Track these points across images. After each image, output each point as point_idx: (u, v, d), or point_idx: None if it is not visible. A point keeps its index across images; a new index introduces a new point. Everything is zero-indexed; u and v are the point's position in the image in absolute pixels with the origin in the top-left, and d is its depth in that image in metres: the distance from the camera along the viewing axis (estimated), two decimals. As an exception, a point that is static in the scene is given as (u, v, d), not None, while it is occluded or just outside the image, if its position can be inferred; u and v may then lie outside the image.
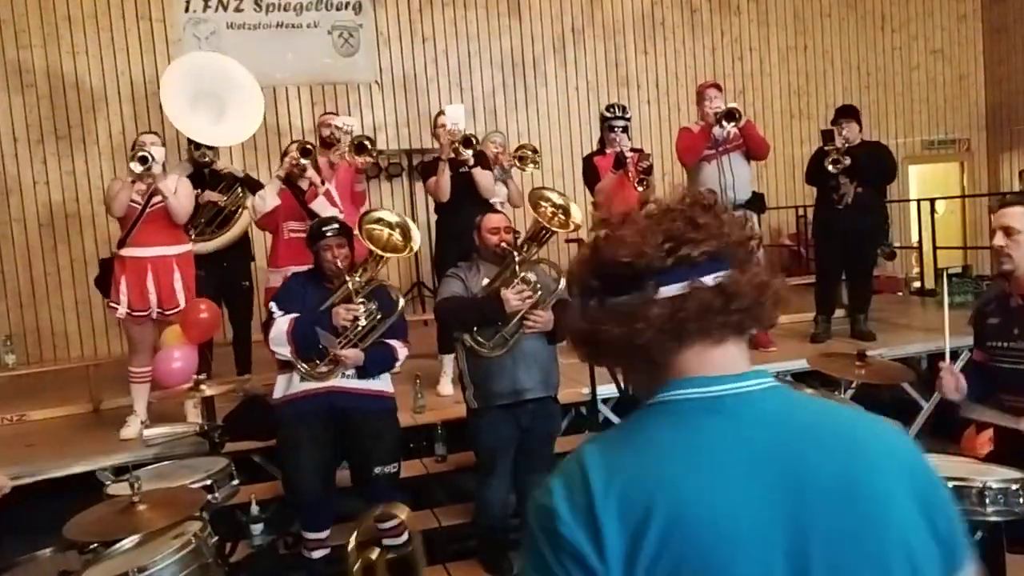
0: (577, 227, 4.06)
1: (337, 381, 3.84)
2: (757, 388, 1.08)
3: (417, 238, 4.02)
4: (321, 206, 5.05)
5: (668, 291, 1.07)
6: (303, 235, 5.02)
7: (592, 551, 0.98)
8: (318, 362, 3.81)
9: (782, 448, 1.02)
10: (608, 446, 1.08)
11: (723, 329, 1.09)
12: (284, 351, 3.79)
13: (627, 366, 1.19)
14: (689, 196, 1.14)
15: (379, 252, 3.89)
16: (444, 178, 5.27)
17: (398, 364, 4.04)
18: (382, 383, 3.99)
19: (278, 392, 3.92)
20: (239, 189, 5.70)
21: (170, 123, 5.51)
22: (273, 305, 3.87)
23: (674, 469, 1.01)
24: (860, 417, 1.14)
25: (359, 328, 3.83)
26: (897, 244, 9.11)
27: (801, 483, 1.00)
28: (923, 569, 1.02)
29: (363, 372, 3.87)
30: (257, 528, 4.02)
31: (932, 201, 8.34)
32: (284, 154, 5.26)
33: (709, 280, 1.07)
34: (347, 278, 3.86)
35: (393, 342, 3.94)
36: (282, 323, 3.79)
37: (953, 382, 3.01)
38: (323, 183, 5.15)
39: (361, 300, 3.87)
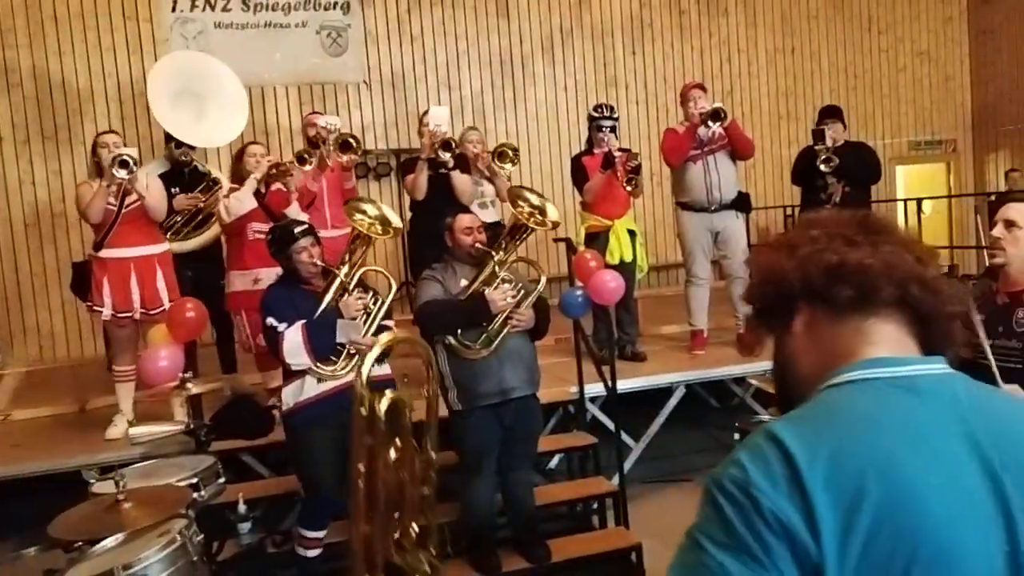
0: (555, 225, 4.05)
1: (348, 377, 3.79)
2: (945, 372, 1.07)
3: (397, 222, 4.02)
4: (296, 212, 5.07)
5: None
6: (267, 236, 5.03)
7: (801, 524, 0.92)
8: (335, 361, 3.77)
9: (985, 430, 1.01)
10: (800, 421, 1.03)
11: (900, 308, 1.09)
12: (302, 360, 3.68)
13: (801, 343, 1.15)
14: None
15: (366, 232, 3.87)
16: (422, 177, 5.28)
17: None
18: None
19: (289, 400, 3.81)
20: (218, 191, 5.68)
21: (156, 122, 5.50)
22: (272, 320, 3.74)
23: (888, 444, 0.97)
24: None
25: (369, 315, 3.82)
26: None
27: (1008, 462, 0.99)
28: None
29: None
30: (245, 527, 3.99)
31: (919, 201, 8.40)
32: (239, 156, 5.13)
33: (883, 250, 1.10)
34: (336, 271, 3.84)
35: (387, 323, 3.93)
36: (293, 334, 3.67)
37: None
38: (295, 189, 5.16)
39: (358, 289, 3.86)
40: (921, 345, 1.11)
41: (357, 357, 3.74)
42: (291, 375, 3.80)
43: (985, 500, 0.98)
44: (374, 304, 3.86)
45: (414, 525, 1.36)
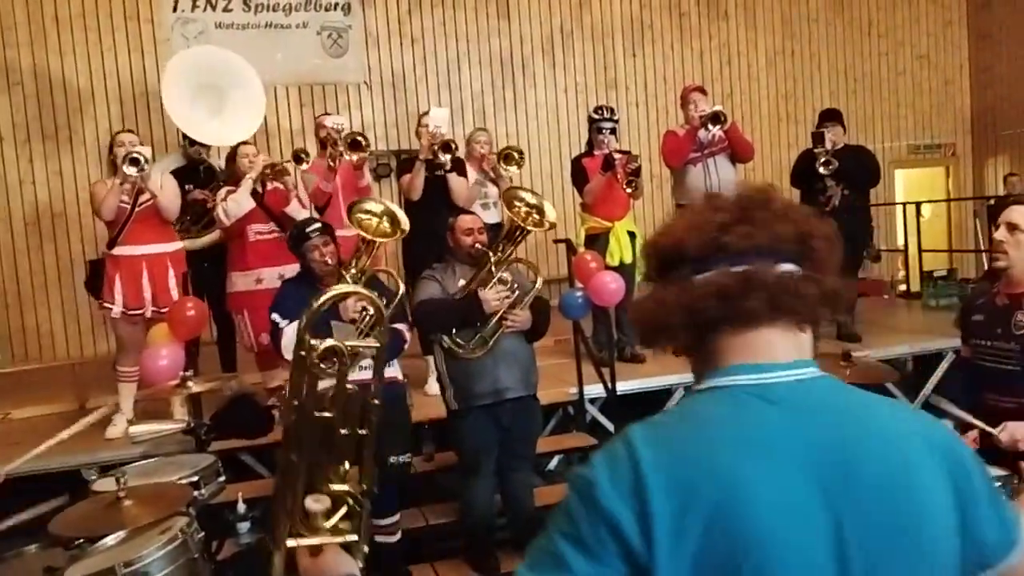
0: (552, 225, 4.05)
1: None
2: (807, 377, 1.11)
3: (404, 220, 4.02)
4: (296, 210, 5.09)
5: (704, 276, 1.11)
6: (268, 236, 5.04)
7: (633, 525, 0.99)
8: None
9: (831, 440, 1.04)
10: (658, 426, 1.10)
11: (771, 316, 1.11)
12: None
13: (679, 348, 1.21)
14: (744, 192, 1.18)
15: (371, 238, 3.88)
16: (419, 178, 5.28)
17: (405, 347, 4.01)
18: (393, 370, 3.97)
19: None
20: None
21: (158, 122, 5.51)
22: (276, 316, 3.78)
23: (731, 453, 1.01)
24: (905, 411, 1.17)
25: (368, 317, 3.82)
26: (883, 247, 9.17)
27: (848, 475, 1.02)
28: (947, 564, 1.04)
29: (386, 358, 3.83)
30: (244, 526, 4.00)
31: (918, 205, 8.41)
32: (232, 157, 5.19)
33: (740, 269, 1.10)
34: (344, 271, 3.85)
35: (398, 325, 3.92)
36: (291, 331, 3.67)
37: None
38: (294, 187, 5.18)
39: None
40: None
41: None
42: None
43: (816, 515, 1.00)
44: (383, 304, 3.85)
45: (342, 467, 1.38)
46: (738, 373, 1.10)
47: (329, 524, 1.35)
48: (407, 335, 3.99)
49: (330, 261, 3.86)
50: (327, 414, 1.43)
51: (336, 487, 1.40)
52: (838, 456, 1.03)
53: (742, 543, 0.97)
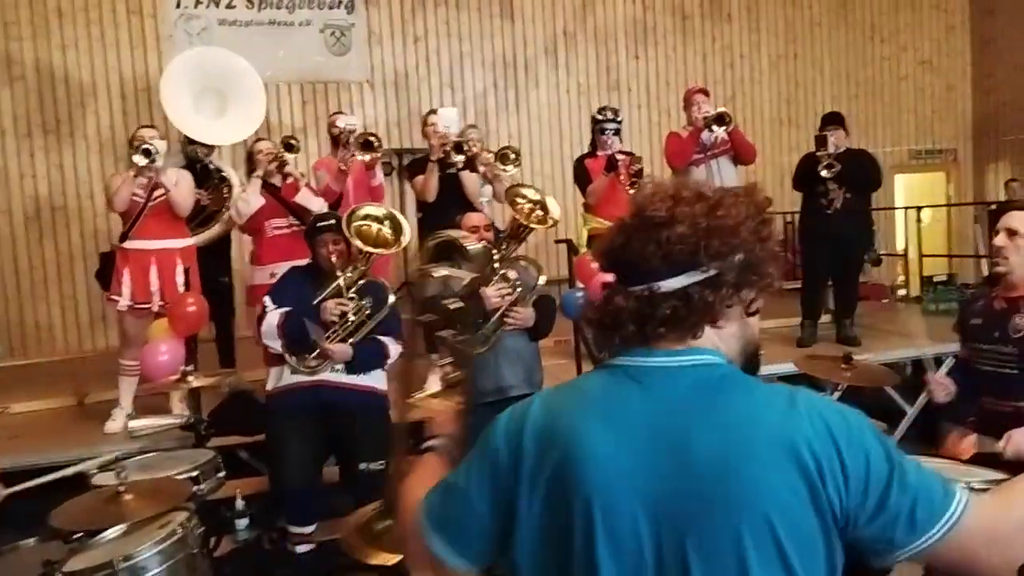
0: (556, 222, 4.04)
1: (326, 375, 3.83)
2: (685, 364, 1.26)
3: (407, 230, 4.03)
4: (306, 198, 5.08)
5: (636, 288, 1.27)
6: (286, 231, 5.07)
7: (507, 458, 1.27)
8: (308, 356, 3.80)
9: (674, 423, 1.20)
10: (556, 390, 1.35)
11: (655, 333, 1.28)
12: (275, 344, 3.80)
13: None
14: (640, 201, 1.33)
15: (367, 249, 3.89)
16: (433, 179, 5.28)
17: (389, 362, 4.00)
18: (373, 379, 3.97)
19: (270, 384, 3.95)
20: (224, 189, 5.69)
21: (159, 118, 5.51)
22: (267, 299, 3.86)
23: (582, 416, 1.24)
24: (774, 410, 1.21)
25: (348, 323, 3.83)
26: (883, 252, 9.17)
27: (682, 457, 1.17)
28: (790, 545, 1.14)
29: (352, 368, 3.87)
30: (242, 523, 4.00)
31: (918, 209, 8.41)
32: (250, 154, 5.25)
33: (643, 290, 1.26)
34: (338, 273, 3.86)
35: (385, 339, 3.92)
36: (273, 317, 3.79)
37: (942, 389, 3.06)
38: (302, 175, 5.19)
39: (352, 295, 3.86)
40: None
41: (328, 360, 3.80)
42: (275, 360, 3.90)
43: (640, 480, 1.18)
44: (360, 314, 3.86)
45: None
46: (628, 356, 1.29)
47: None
48: (391, 350, 3.95)
49: (335, 259, 3.87)
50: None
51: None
52: (674, 437, 1.18)
53: (572, 487, 1.20)
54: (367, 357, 3.90)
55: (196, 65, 5.65)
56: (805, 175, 6.00)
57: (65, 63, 7.93)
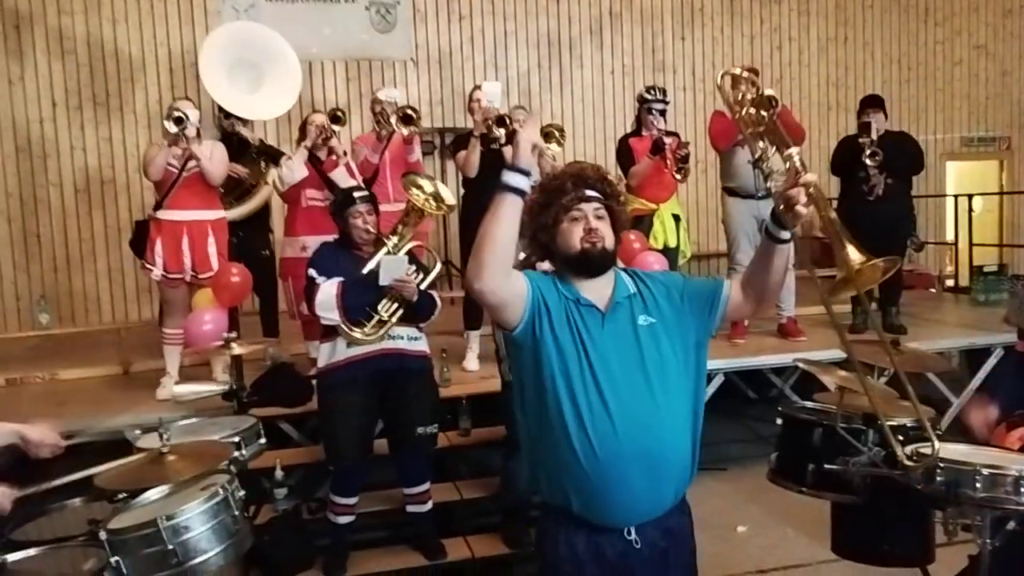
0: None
1: (385, 343, 3.80)
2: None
3: (451, 198, 4.04)
4: (342, 176, 5.09)
5: None
6: (321, 204, 5.07)
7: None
8: (365, 324, 3.74)
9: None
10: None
11: None
12: (332, 315, 3.68)
13: None
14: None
15: (418, 205, 3.88)
16: (474, 154, 5.25)
17: (436, 312, 3.96)
18: (423, 344, 3.96)
19: (322, 360, 3.85)
20: (262, 163, 5.73)
21: (206, 93, 5.55)
22: (313, 271, 3.77)
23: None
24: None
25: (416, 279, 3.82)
26: (932, 240, 9.00)
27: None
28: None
29: (411, 318, 3.83)
30: (281, 492, 4.05)
31: (970, 197, 8.21)
32: (303, 125, 5.29)
33: None
34: (385, 240, 3.85)
35: (432, 292, 3.92)
36: (329, 287, 3.69)
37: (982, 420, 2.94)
38: (344, 153, 5.19)
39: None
40: None
41: (387, 325, 3.76)
42: (327, 335, 3.83)
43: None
44: (414, 276, 3.84)
45: None
46: None
47: None
48: (439, 302, 3.96)
49: (371, 230, 3.86)
50: None
51: None
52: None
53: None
54: (425, 305, 3.85)
55: (233, 38, 5.70)
56: (845, 161, 5.88)
57: (115, 37, 8.03)
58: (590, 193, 2.11)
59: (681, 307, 2.10)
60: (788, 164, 1.95)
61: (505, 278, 1.93)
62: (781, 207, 1.92)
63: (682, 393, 2.05)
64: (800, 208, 1.87)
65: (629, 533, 2.03)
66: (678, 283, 2.16)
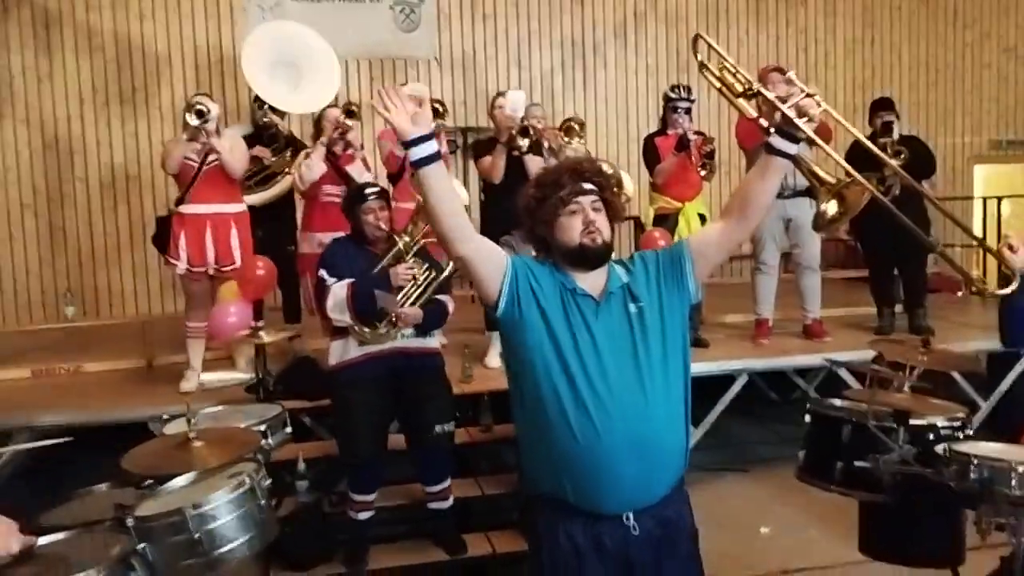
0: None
1: (396, 342, 3.80)
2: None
3: (464, 195, 4.04)
4: (358, 171, 5.10)
5: None
6: (338, 199, 5.05)
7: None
8: (377, 324, 3.74)
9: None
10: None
11: None
12: (343, 317, 3.69)
13: None
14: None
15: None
16: (500, 160, 5.23)
17: (447, 318, 3.99)
18: (434, 341, 3.98)
19: (334, 358, 3.86)
20: (288, 154, 5.75)
21: (231, 88, 5.57)
22: (324, 272, 3.77)
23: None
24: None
25: (419, 284, 3.81)
26: (959, 244, 8.87)
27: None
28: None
29: (421, 329, 3.85)
30: (302, 485, 4.05)
31: (998, 200, 8.11)
32: (318, 120, 5.30)
33: None
34: (397, 238, 3.84)
35: (442, 297, 3.90)
36: (339, 289, 3.69)
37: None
38: (361, 147, 5.19)
39: (414, 259, 3.85)
40: None
41: (397, 326, 3.75)
42: (338, 333, 3.83)
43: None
44: (426, 275, 3.83)
45: None
46: None
47: None
48: (450, 307, 3.97)
49: (383, 226, 3.84)
50: None
51: None
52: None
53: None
54: (433, 317, 3.87)
55: (278, 37, 5.74)
56: (859, 163, 5.82)
57: (142, 33, 8.09)
58: (587, 186, 2.15)
59: (661, 286, 2.17)
60: (791, 86, 2.14)
61: (470, 242, 2.04)
62: (794, 117, 2.07)
63: (674, 376, 2.10)
64: (813, 111, 2.07)
65: (628, 519, 2.04)
66: (653, 260, 2.22)
